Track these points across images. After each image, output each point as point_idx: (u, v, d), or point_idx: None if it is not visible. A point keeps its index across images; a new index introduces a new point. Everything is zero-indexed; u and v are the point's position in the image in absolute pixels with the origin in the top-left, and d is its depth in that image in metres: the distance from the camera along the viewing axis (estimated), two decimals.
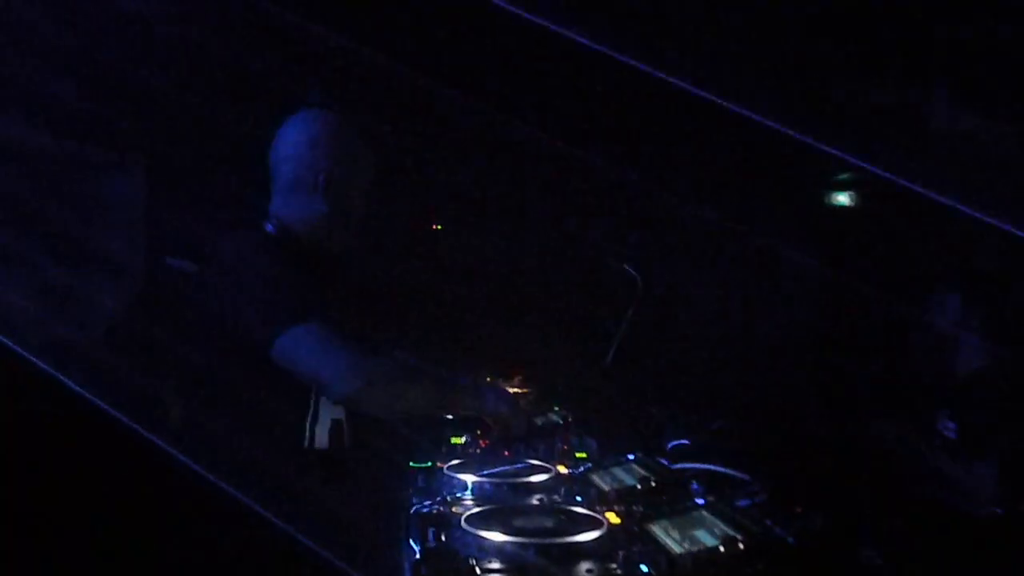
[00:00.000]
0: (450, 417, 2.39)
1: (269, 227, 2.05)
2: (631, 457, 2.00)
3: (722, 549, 1.40)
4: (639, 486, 1.79)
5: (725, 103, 2.79)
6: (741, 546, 1.40)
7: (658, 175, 3.85)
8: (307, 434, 1.95)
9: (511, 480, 1.87)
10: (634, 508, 1.65)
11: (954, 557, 1.77)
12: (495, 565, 1.35)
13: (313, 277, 2.03)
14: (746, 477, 1.76)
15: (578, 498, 1.75)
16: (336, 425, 2.01)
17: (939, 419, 2.83)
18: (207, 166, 3.06)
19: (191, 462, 1.78)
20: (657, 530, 1.51)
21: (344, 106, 2.16)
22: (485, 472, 1.91)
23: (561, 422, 2.47)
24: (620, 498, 1.73)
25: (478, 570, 1.33)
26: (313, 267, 2.06)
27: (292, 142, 2.06)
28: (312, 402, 1.96)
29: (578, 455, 2.16)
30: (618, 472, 1.92)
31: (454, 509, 1.65)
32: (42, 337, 2.63)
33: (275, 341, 1.78)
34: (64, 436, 2.38)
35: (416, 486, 1.84)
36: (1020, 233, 2.48)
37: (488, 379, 2.92)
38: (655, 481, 1.80)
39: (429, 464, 2.02)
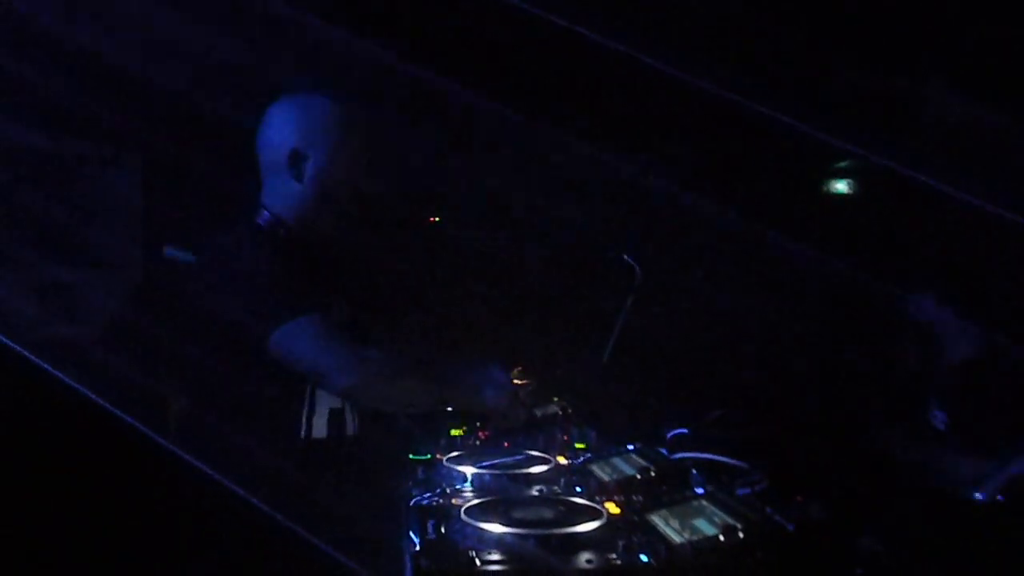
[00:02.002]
0: (449, 409, 2.39)
1: (260, 220, 2.05)
2: (630, 447, 1.99)
3: (722, 538, 1.40)
4: (639, 476, 1.78)
5: (722, 92, 2.78)
6: (741, 535, 1.40)
7: (656, 165, 3.84)
8: (304, 425, 1.95)
9: (511, 471, 1.87)
10: (634, 498, 1.65)
11: (954, 544, 1.77)
12: (495, 556, 1.35)
13: (310, 267, 2.03)
14: (745, 465, 1.76)
15: (578, 488, 1.75)
16: (335, 414, 2.01)
17: (930, 408, 2.84)
18: (203, 161, 3.05)
19: (188, 455, 1.78)
20: (657, 520, 1.51)
21: (341, 97, 2.15)
22: (485, 464, 1.90)
23: (560, 413, 2.47)
24: (620, 488, 1.72)
25: (478, 561, 1.33)
26: (309, 256, 2.05)
27: (268, 127, 2.07)
28: (308, 393, 1.96)
29: (578, 445, 2.15)
30: (617, 462, 1.92)
31: (454, 501, 1.64)
32: (40, 334, 2.62)
33: (273, 334, 1.78)
34: (61, 431, 2.38)
35: (416, 478, 1.84)
36: (1016, 219, 2.48)
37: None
38: (655, 471, 1.79)
39: (428, 456, 2.01)
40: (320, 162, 2.03)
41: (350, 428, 2.03)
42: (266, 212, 2.06)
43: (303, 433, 1.94)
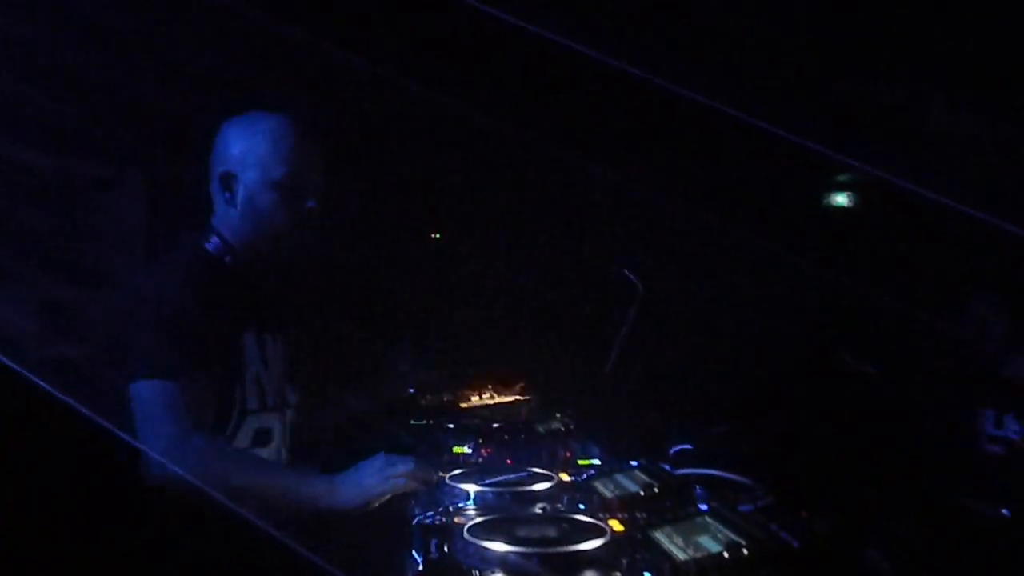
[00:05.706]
0: (451, 426, 2.38)
1: (209, 245, 1.99)
2: (634, 463, 1.98)
3: (726, 555, 1.39)
4: (642, 493, 1.77)
5: (724, 108, 2.78)
6: (745, 552, 1.39)
7: (658, 180, 3.84)
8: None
9: (513, 489, 1.86)
10: (637, 515, 1.64)
11: (961, 560, 1.76)
12: None
13: (250, 294, 1.99)
14: (750, 481, 1.75)
15: (581, 506, 1.74)
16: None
17: (1004, 420, 2.84)
18: (205, 181, 3.05)
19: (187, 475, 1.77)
20: (661, 537, 1.50)
21: (339, 113, 2.13)
22: (487, 481, 1.89)
23: (563, 429, 2.46)
24: (623, 505, 1.72)
25: None
26: (253, 282, 2.01)
27: (211, 151, 2.02)
28: None
29: (581, 462, 2.15)
30: (621, 479, 1.91)
31: (456, 519, 1.64)
32: (40, 353, 2.62)
33: (129, 386, 1.79)
34: (63, 452, 2.37)
35: (418, 496, 1.83)
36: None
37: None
38: (658, 487, 1.78)
39: None
40: (249, 184, 1.94)
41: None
42: (215, 237, 1.99)
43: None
